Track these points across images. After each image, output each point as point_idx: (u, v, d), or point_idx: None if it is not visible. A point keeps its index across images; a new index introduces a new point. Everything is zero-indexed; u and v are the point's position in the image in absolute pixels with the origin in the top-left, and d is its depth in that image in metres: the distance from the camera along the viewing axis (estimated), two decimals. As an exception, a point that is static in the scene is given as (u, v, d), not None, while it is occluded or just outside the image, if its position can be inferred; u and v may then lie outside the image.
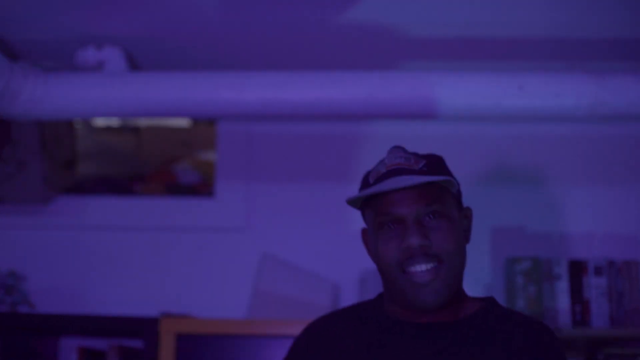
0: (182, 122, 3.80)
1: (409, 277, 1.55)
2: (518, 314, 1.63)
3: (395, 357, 1.55)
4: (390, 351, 1.56)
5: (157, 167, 3.69)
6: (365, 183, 1.62)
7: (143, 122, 3.84)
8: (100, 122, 3.79)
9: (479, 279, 3.00)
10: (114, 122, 3.84)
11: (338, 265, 3.03)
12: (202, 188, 3.43)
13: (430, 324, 1.58)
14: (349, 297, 2.95)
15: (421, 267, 1.54)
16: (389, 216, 1.56)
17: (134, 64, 2.86)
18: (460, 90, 2.55)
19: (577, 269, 2.86)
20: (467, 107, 2.56)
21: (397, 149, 1.64)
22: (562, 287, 2.84)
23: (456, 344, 1.54)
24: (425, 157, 1.62)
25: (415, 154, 1.63)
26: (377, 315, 1.64)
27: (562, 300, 2.83)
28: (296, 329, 1.78)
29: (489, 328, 1.57)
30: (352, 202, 1.62)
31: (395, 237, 1.56)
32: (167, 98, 2.61)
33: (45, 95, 2.59)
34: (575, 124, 3.08)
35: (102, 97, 2.61)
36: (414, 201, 1.55)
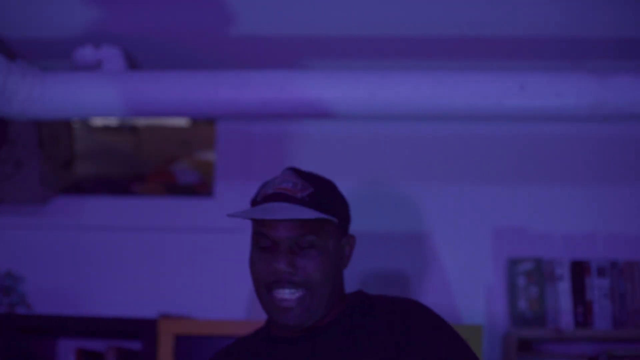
0: (182, 122, 3.78)
1: (273, 299, 1.60)
2: (383, 300, 1.65)
3: None
4: None
5: (156, 167, 3.68)
6: (254, 199, 1.66)
7: (142, 121, 3.83)
8: (98, 121, 3.77)
9: (480, 280, 2.98)
10: (112, 121, 3.82)
11: (338, 266, 3.00)
12: (201, 188, 3.41)
13: (292, 337, 1.63)
14: (349, 298, 2.93)
15: (284, 293, 1.59)
16: (264, 237, 1.62)
17: (133, 63, 2.85)
18: (460, 91, 2.55)
19: (579, 269, 2.84)
20: (468, 107, 2.55)
21: (289, 171, 1.67)
22: (565, 288, 2.83)
23: (316, 353, 1.59)
24: (314, 185, 1.65)
25: (306, 181, 1.65)
26: (263, 336, 1.69)
27: (565, 301, 2.82)
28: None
29: (353, 327, 1.61)
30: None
31: (267, 258, 1.61)
32: (166, 98, 2.60)
33: (43, 95, 2.58)
34: (578, 124, 3.06)
35: (100, 96, 2.60)
36: (289, 230, 1.60)
